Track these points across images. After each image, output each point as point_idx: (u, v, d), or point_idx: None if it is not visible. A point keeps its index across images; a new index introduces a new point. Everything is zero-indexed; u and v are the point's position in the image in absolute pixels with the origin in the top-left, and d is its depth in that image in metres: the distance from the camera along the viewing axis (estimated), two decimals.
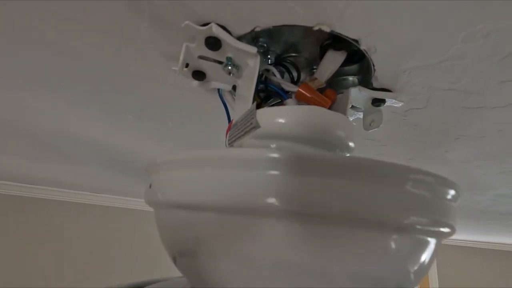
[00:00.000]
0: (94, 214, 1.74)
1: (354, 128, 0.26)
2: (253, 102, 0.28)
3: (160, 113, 0.46)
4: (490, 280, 2.05)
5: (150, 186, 0.21)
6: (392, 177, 0.15)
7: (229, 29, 0.25)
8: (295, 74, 0.31)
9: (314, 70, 0.32)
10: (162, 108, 0.44)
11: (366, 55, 0.26)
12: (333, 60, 0.28)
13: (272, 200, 0.14)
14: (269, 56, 0.31)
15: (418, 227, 0.15)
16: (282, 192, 0.14)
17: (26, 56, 0.32)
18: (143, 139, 0.59)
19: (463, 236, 1.86)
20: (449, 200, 0.17)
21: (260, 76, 0.29)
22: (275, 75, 0.29)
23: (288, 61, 0.31)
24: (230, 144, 0.28)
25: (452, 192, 0.17)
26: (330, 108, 0.30)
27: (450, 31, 0.21)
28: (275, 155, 0.15)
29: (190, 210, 0.17)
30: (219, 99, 0.34)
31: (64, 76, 0.36)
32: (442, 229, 0.16)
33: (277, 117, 0.24)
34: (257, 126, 0.23)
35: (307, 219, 0.15)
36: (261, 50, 0.29)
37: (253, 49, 0.25)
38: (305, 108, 0.23)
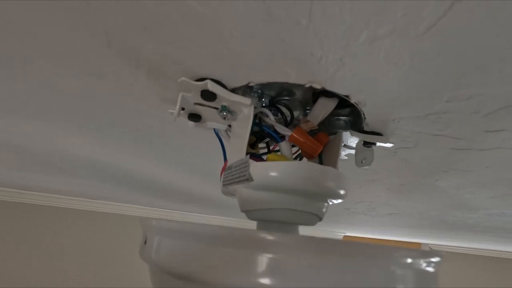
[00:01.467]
0: (93, 220, 1.73)
1: (344, 178, 0.26)
2: (247, 146, 0.29)
3: (157, 141, 0.46)
4: (488, 283, 2.08)
5: (145, 242, 0.22)
6: (378, 258, 0.15)
7: (223, 82, 0.25)
8: (288, 113, 0.32)
9: (308, 111, 0.33)
10: (159, 137, 0.44)
11: (357, 107, 0.26)
12: (325, 106, 0.29)
13: (262, 280, 0.15)
14: (263, 99, 0.31)
15: None
16: (272, 272, 0.15)
17: (28, 92, 0.33)
18: (141, 160, 0.60)
19: (460, 243, 1.88)
20: (434, 270, 0.18)
21: (254, 116, 0.30)
22: (269, 117, 0.30)
23: (282, 103, 0.32)
24: (224, 185, 0.29)
25: (436, 260, 0.18)
26: (323, 150, 0.31)
27: (435, 93, 0.22)
28: (266, 236, 0.15)
29: (181, 280, 0.18)
30: (215, 134, 0.34)
31: (61, 109, 0.37)
32: None
33: (270, 170, 0.24)
34: (250, 179, 0.24)
35: None
36: (256, 95, 0.30)
37: (247, 101, 0.26)
38: (297, 164, 0.24)
